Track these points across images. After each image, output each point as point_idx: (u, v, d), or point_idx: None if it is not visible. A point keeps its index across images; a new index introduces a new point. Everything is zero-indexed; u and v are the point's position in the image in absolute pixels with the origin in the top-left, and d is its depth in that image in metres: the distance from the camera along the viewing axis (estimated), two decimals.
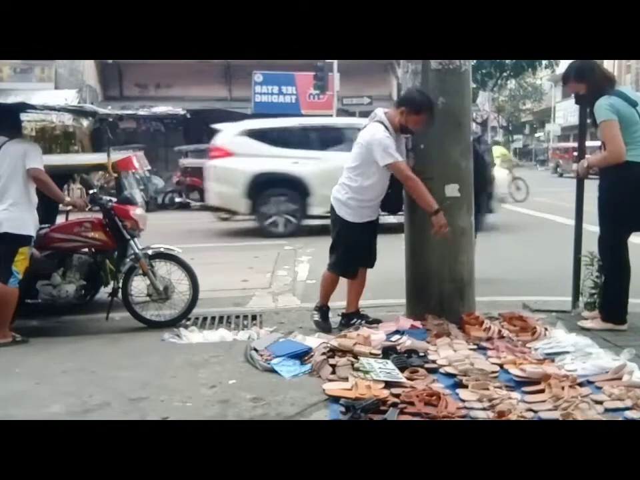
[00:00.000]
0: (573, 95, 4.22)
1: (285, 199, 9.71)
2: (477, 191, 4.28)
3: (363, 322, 4.20)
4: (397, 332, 3.79)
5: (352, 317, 4.31)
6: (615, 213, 3.94)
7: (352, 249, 4.18)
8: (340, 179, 4.21)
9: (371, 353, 3.42)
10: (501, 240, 6.27)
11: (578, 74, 3.97)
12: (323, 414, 2.85)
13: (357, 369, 3.22)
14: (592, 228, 4.23)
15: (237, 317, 4.97)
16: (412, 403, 2.81)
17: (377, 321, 4.19)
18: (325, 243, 4.50)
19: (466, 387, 3.03)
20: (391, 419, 2.67)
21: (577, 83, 4.00)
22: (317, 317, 4.36)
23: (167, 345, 4.17)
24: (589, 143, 5.36)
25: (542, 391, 2.97)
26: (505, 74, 24.33)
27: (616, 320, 4.03)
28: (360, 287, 4.34)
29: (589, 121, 4.28)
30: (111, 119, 6.06)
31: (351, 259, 4.21)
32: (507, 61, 22.31)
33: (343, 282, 4.37)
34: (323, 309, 4.38)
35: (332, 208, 4.23)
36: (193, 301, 4.80)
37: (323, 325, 4.30)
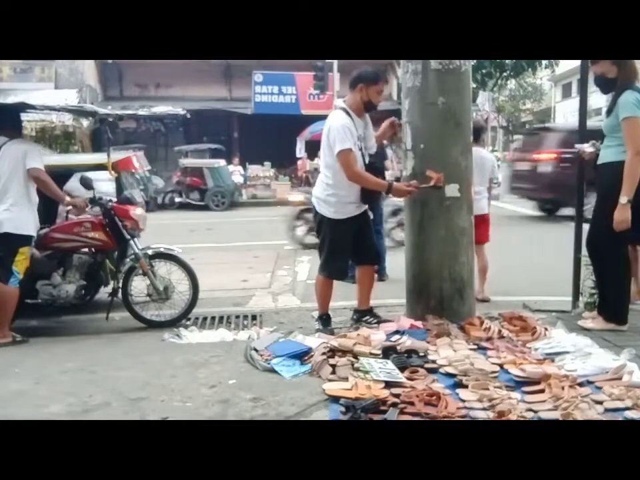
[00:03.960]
0: (594, 76, 4.05)
1: None
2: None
3: (375, 321, 4.15)
4: (397, 332, 3.78)
5: (365, 314, 4.25)
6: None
7: (336, 248, 4.08)
8: (318, 177, 4.18)
9: (371, 353, 3.42)
10: (501, 239, 6.29)
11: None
12: (323, 414, 2.85)
13: (357, 369, 3.21)
14: None
15: (237, 316, 4.97)
16: (412, 403, 2.81)
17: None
18: None
19: (466, 387, 3.03)
20: (391, 419, 2.67)
21: (611, 64, 3.87)
22: (318, 326, 4.27)
23: (167, 345, 4.17)
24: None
25: (542, 391, 2.97)
26: (505, 74, 24.27)
27: (619, 320, 4.02)
28: (368, 284, 4.26)
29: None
30: (110, 119, 6.05)
31: (336, 258, 4.11)
32: (507, 61, 22.27)
33: (341, 283, 4.36)
34: (323, 318, 4.29)
35: (314, 207, 4.16)
36: (193, 300, 4.80)
37: (325, 332, 4.15)
